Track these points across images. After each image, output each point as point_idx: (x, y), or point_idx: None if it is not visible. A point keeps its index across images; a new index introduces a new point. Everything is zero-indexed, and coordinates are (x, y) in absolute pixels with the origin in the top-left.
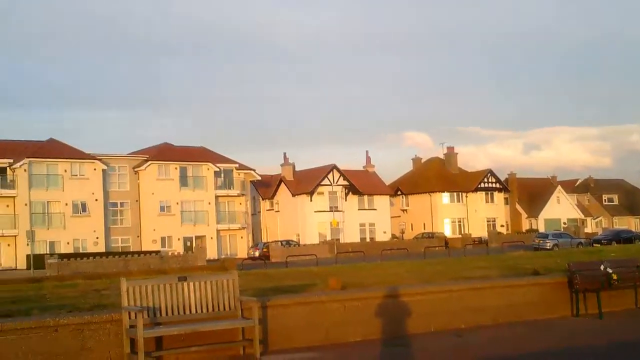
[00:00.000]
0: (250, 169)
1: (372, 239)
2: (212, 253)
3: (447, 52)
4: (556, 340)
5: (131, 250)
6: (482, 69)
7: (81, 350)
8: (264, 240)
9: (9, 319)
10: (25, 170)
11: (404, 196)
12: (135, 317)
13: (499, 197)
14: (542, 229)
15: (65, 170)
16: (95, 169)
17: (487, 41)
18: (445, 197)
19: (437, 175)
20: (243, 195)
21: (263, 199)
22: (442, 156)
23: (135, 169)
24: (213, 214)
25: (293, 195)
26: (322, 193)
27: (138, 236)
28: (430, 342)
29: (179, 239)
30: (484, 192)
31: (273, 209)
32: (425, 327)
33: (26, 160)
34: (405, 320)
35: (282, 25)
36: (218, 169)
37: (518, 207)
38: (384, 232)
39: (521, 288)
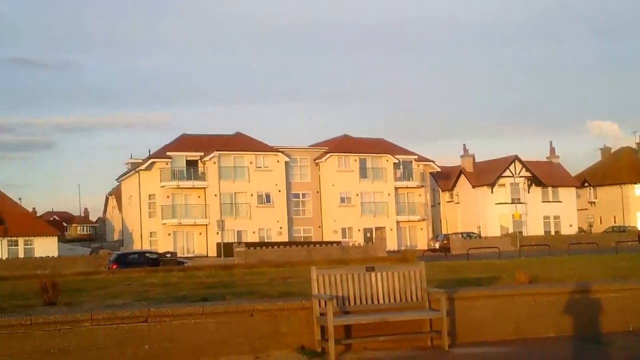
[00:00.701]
0: (430, 161)
1: (557, 232)
2: (391, 244)
3: (633, 34)
4: None
5: (313, 240)
6: None
7: (275, 334)
8: (444, 232)
9: (208, 303)
10: (214, 162)
11: (591, 188)
12: (325, 305)
13: None
14: None
15: (251, 163)
16: (278, 161)
17: None
18: (638, 189)
19: (629, 166)
20: (422, 186)
21: (442, 191)
22: (634, 145)
23: (316, 161)
24: (393, 205)
25: (473, 186)
26: (504, 185)
27: (319, 227)
28: (628, 341)
29: (359, 230)
30: None
31: (453, 201)
32: (622, 326)
33: (216, 153)
34: (600, 317)
35: (454, 16)
36: (397, 161)
37: None
38: (570, 226)
39: None
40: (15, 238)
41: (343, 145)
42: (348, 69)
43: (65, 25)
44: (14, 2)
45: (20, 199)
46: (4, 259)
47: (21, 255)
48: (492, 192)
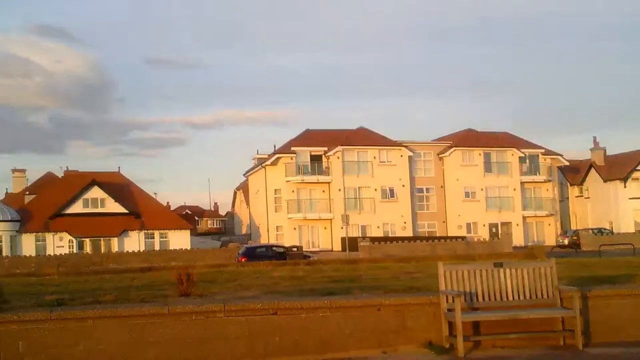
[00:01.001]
0: (557, 154)
1: None
2: (518, 240)
3: None
4: None
5: (437, 235)
6: None
7: (402, 329)
8: (573, 227)
9: (335, 297)
10: (338, 157)
11: None
12: (453, 300)
13: None
14: None
15: (374, 157)
16: (401, 156)
17: None
18: None
19: None
20: (550, 181)
21: (571, 185)
22: None
23: (440, 155)
24: (519, 200)
25: (604, 181)
26: (637, 179)
27: (443, 221)
28: None
29: (484, 225)
30: None
31: (582, 196)
32: None
33: (339, 148)
34: None
35: (588, 9)
36: (523, 155)
37: None
38: None
39: None
40: (151, 231)
41: (467, 139)
42: (471, 63)
43: (195, 25)
44: (147, 4)
45: (155, 193)
46: (141, 251)
47: (157, 247)
48: (625, 186)
